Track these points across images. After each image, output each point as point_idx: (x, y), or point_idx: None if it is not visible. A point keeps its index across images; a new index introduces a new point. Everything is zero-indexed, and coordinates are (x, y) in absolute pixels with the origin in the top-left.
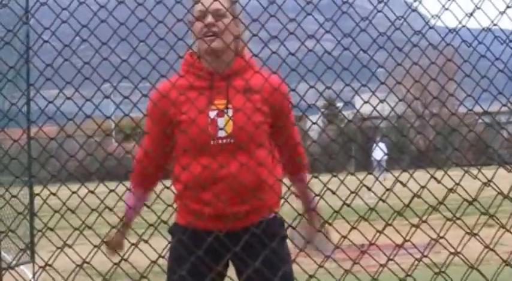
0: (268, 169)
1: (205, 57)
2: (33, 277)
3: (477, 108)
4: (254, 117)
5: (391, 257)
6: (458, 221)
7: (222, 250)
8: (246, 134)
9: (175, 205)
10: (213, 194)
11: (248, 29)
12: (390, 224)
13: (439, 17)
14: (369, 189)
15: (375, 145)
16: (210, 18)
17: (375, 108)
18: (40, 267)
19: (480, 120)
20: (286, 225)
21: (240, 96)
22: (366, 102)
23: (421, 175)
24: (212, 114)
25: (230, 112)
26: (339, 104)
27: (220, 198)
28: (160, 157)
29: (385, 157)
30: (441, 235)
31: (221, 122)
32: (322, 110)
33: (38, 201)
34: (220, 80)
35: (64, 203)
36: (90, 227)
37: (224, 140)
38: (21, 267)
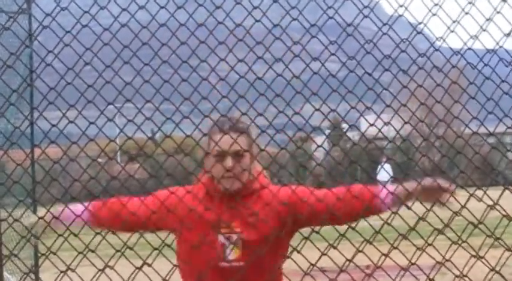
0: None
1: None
2: None
3: (482, 130)
4: (264, 241)
5: (397, 279)
6: (463, 243)
7: None
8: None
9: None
10: None
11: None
12: (396, 248)
13: (444, 40)
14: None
15: (380, 166)
16: (229, 161)
17: (380, 130)
18: None
19: (486, 141)
20: None
21: (248, 220)
22: (371, 125)
23: None
24: (221, 238)
25: (236, 236)
26: (344, 125)
27: None
28: (129, 224)
29: (390, 179)
30: (447, 257)
31: (229, 245)
32: (327, 131)
33: (41, 222)
34: (230, 202)
35: (67, 228)
36: (93, 251)
37: (233, 264)
38: None
